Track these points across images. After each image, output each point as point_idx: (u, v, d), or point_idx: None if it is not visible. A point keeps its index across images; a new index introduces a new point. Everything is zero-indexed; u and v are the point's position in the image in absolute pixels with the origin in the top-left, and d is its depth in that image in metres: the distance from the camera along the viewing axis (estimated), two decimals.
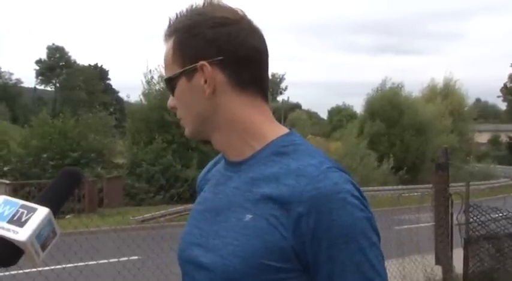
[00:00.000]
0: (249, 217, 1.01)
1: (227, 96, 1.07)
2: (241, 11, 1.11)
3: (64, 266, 6.60)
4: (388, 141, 27.27)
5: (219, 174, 1.15)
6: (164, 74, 1.15)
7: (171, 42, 1.10)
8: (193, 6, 1.10)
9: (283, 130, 1.10)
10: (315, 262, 0.97)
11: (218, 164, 1.20)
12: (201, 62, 1.06)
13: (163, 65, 1.14)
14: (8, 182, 15.61)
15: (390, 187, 21.16)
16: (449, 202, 5.98)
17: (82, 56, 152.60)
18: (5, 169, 17.88)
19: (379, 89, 30.19)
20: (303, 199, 0.96)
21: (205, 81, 1.06)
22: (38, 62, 70.41)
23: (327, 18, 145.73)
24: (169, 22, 1.11)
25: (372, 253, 0.97)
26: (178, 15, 1.11)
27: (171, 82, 1.11)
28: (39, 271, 5.98)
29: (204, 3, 1.10)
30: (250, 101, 1.08)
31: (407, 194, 18.99)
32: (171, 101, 1.15)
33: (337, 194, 0.96)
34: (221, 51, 1.06)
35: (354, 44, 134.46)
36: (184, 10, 1.11)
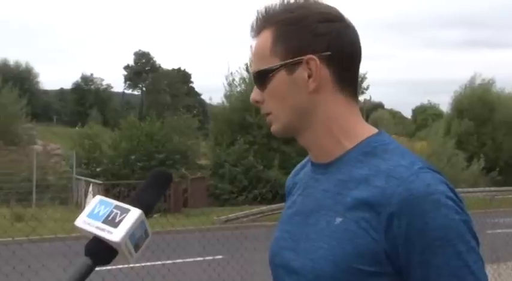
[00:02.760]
0: (339, 220, 0.99)
1: (328, 94, 1.05)
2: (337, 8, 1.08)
3: (153, 263, 6.83)
4: (477, 140, 26.02)
5: (307, 177, 1.14)
6: (254, 66, 1.08)
7: (268, 33, 1.06)
8: (287, 1, 1.07)
9: (373, 130, 1.07)
10: (408, 266, 0.94)
11: (306, 167, 1.18)
12: (309, 56, 1.03)
13: (255, 57, 1.09)
14: (100, 182, 16.45)
15: (481, 189, 20.15)
16: None
17: (166, 61, 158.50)
18: (98, 169, 18.87)
19: (468, 85, 28.88)
20: (394, 200, 0.93)
21: (309, 76, 1.03)
22: (126, 67, 74.00)
23: (410, 13, 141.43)
24: (261, 14, 1.08)
25: (471, 258, 0.92)
26: (272, 8, 1.07)
27: (266, 74, 1.06)
28: (132, 267, 6.23)
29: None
30: (346, 100, 1.07)
31: (500, 197, 18.03)
32: (256, 95, 1.09)
33: (430, 195, 0.92)
34: (329, 47, 1.03)
35: (440, 39, 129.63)
36: (279, 3, 1.07)
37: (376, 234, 0.94)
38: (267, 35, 1.06)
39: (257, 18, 1.08)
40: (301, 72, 1.03)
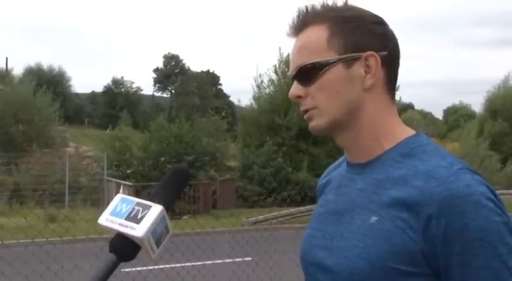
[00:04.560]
0: (374, 218, 0.99)
1: (378, 93, 1.06)
2: None
3: (183, 264, 6.88)
4: None
5: (340, 177, 1.14)
6: (303, 59, 1.06)
7: (322, 27, 1.05)
8: (329, 3, 1.08)
9: (411, 132, 1.08)
10: (446, 267, 0.93)
11: (339, 168, 1.19)
12: (369, 52, 1.04)
13: (304, 51, 1.06)
14: (130, 184, 16.63)
15: None
16: None
17: (195, 63, 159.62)
18: (128, 171, 19.08)
19: (502, 85, 28.32)
20: (433, 200, 0.93)
21: (365, 73, 1.04)
22: (156, 70, 74.81)
23: (440, 11, 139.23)
24: (305, 10, 1.08)
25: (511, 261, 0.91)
26: (319, 5, 1.08)
27: (320, 67, 1.04)
28: (161, 268, 6.30)
29: (344, 2, 1.09)
30: (390, 101, 1.08)
31: None
32: (299, 90, 1.07)
33: (470, 196, 0.91)
34: (385, 47, 1.05)
35: (472, 38, 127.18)
36: (321, 3, 1.08)
37: (413, 234, 0.94)
38: (320, 29, 1.05)
39: (300, 15, 1.08)
40: (358, 68, 1.04)
